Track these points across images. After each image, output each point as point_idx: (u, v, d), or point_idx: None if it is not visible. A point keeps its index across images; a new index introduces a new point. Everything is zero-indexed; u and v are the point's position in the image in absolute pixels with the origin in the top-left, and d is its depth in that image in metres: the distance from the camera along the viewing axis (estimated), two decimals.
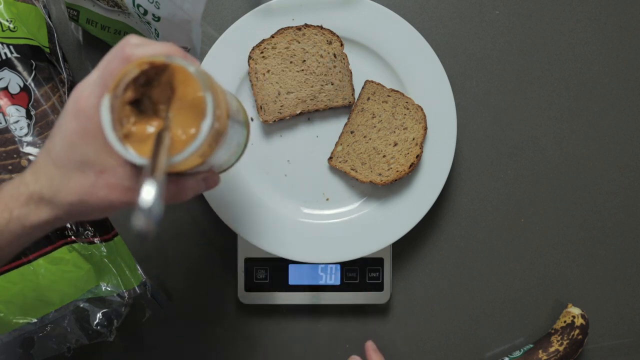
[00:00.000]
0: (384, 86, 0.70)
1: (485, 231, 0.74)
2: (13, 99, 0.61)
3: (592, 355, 0.74)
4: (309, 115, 0.71)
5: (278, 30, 0.69)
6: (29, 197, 0.45)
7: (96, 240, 0.64)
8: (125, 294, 0.64)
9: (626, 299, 0.74)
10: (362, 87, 0.70)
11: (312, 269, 0.72)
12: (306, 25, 0.69)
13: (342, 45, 0.69)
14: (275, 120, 0.69)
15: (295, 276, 0.72)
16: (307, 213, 0.71)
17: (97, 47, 0.73)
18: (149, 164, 0.40)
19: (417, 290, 0.74)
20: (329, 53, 0.69)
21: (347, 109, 0.71)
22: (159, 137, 0.42)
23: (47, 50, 0.65)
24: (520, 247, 0.74)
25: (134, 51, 0.43)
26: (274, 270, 0.72)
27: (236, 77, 0.70)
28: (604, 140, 0.74)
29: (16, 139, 0.61)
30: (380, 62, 0.71)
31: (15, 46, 0.62)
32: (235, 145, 0.51)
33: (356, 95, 0.70)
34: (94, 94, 0.43)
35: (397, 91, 0.70)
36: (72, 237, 0.62)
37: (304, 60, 0.69)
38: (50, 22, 0.67)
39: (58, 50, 0.67)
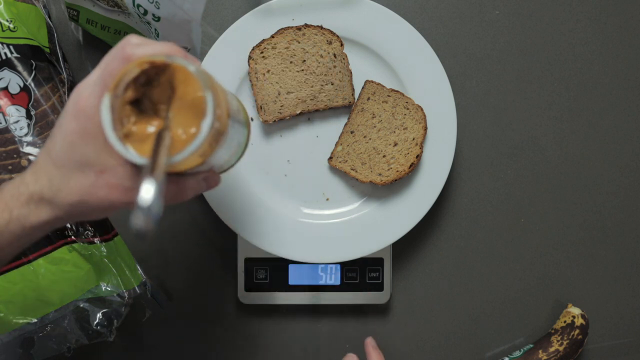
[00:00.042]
0: (384, 86, 0.70)
1: (485, 231, 0.74)
2: (13, 99, 0.61)
3: (592, 355, 0.74)
4: (309, 115, 0.71)
5: (278, 30, 0.69)
6: (29, 197, 0.45)
7: (96, 240, 0.64)
8: (125, 294, 0.64)
9: (626, 299, 0.74)
10: (362, 87, 0.70)
11: (312, 269, 0.72)
12: (306, 25, 0.69)
13: (342, 45, 0.69)
14: (275, 120, 0.69)
15: (295, 276, 0.72)
16: (307, 213, 0.71)
17: (97, 47, 0.73)
18: (148, 163, 0.40)
19: (417, 290, 0.74)
20: (329, 53, 0.69)
21: (347, 109, 0.71)
22: (159, 137, 0.42)
23: (47, 50, 0.65)
24: (520, 247, 0.74)
25: (134, 51, 0.43)
26: (274, 270, 0.72)
27: (236, 77, 0.70)
28: (604, 140, 0.74)
29: (16, 139, 0.61)
30: (380, 62, 0.71)
31: (15, 46, 0.62)
32: (235, 145, 0.51)
33: (356, 95, 0.70)
34: (94, 94, 0.43)
35: (397, 91, 0.70)
36: (72, 237, 0.62)
37: (304, 60, 0.69)
38: (50, 22, 0.67)
39: (58, 50, 0.67)
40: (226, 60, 0.70)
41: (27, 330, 0.61)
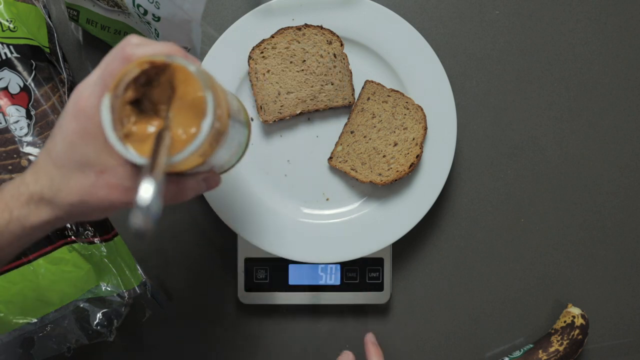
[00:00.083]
0: (384, 86, 0.70)
1: (485, 231, 0.74)
2: (13, 99, 0.61)
3: (592, 355, 0.74)
4: (309, 115, 0.71)
5: (278, 30, 0.69)
6: (29, 198, 0.45)
7: (96, 240, 0.64)
8: (125, 294, 0.64)
9: (626, 299, 0.74)
10: (362, 87, 0.70)
11: (312, 269, 0.72)
12: (306, 25, 0.69)
13: (342, 45, 0.69)
14: (275, 120, 0.69)
15: (295, 276, 0.72)
16: (307, 213, 0.71)
17: (97, 47, 0.73)
18: (148, 162, 0.40)
19: (417, 290, 0.74)
20: (329, 53, 0.69)
21: (347, 109, 0.71)
22: (159, 137, 0.42)
23: (47, 50, 0.65)
24: (520, 247, 0.74)
25: (135, 51, 0.43)
26: (274, 270, 0.72)
27: (236, 77, 0.70)
28: (604, 140, 0.74)
29: (16, 139, 0.61)
30: (380, 62, 0.71)
31: (15, 46, 0.62)
32: (236, 145, 0.51)
33: (356, 95, 0.70)
34: (94, 94, 0.43)
35: (397, 91, 0.70)
36: (72, 237, 0.62)
37: (304, 60, 0.69)
38: (50, 22, 0.67)
39: (58, 50, 0.67)
40: (226, 60, 0.70)
41: (27, 330, 0.61)
